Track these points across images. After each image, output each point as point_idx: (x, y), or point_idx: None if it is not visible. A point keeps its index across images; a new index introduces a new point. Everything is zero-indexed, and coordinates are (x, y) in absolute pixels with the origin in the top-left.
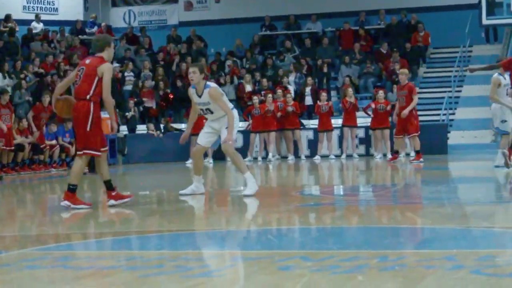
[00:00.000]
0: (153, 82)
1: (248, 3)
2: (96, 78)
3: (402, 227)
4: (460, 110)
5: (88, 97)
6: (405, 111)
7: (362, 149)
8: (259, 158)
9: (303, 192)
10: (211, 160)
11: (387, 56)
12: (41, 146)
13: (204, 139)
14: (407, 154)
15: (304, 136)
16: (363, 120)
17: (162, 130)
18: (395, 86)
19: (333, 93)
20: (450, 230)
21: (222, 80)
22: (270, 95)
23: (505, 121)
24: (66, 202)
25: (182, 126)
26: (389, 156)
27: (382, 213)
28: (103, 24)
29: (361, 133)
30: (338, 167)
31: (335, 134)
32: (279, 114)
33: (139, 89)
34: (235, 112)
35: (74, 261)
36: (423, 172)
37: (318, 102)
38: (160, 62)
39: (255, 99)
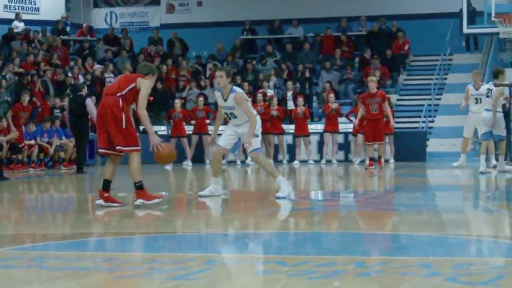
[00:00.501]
0: None
1: (230, 7)
2: (133, 85)
3: (379, 234)
4: (440, 118)
5: (119, 94)
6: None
7: (341, 154)
8: (238, 162)
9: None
10: (190, 163)
11: (369, 62)
12: (20, 146)
13: (225, 141)
14: (386, 161)
15: (284, 141)
16: (342, 126)
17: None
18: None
19: (313, 98)
20: (426, 237)
21: (202, 83)
22: (249, 99)
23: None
24: (140, 200)
25: (162, 128)
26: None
27: (359, 219)
28: (84, 24)
29: (340, 139)
30: (317, 172)
31: (315, 139)
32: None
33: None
34: (257, 118)
35: (49, 262)
36: (401, 179)
37: (294, 107)
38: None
39: None
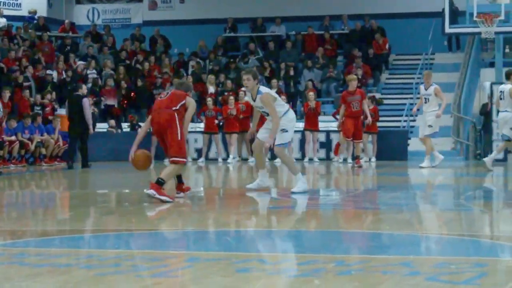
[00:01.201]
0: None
1: (212, 4)
2: (182, 102)
3: (360, 232)
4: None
5: (174, 108)
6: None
7: (322, 153)
8: (219, 159)
9: (262, 195)
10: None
11: (349, 61)
12: (0, 142)
13: (262, 134)
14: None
15: None
16: (324, 124)
17: (128, 128)
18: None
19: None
20: (407, 236)
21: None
22: (232, 97)
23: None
24: (152, 191)
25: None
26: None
27: (340, 217)
28: (66, 21)
29: (322, 137)
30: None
31: (296, 137)
32: (241, 116)
33: (100, 87)
34: (291, 114)
35: (30, 258)
36: (382, 177)
37: None
38: (123, 61)
39: (209, 100)
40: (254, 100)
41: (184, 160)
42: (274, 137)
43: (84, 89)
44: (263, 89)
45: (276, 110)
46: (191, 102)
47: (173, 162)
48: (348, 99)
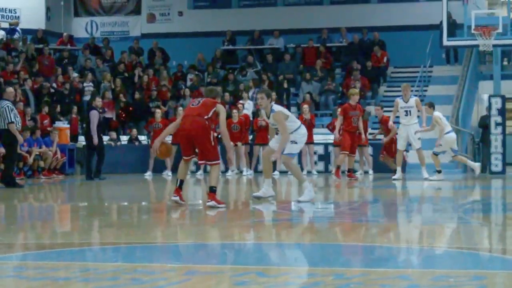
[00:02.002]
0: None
1: (211, 17)
2: (213, 110)
3: (359, 245)
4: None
5: (206, 117)
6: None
7: (321, 165)
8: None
9: (263, 206)
10: (169, 173)
11: (347, 73)
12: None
13: (273, 143)
14: (366, 172)
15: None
16: (322, 137)
17: (126, 141)
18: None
19: (293, 109)
20: (406, 249)
21: (182, 93)
22: (235, 110)
23: None
24: (213, 202)
25: (142, 137)
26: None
27: (339, 230)
28: (65, 34)
29: (320, 150)
30: (296, 183)
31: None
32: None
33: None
34: (303, 129)
35: (28, 272)
36: (381, 190)
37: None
38: (121, 74)
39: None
40: (268, 118)
41: (216, 162)
42: (280, 152)
43: (97, 101)
44: (276, 107)
45: (286, 127)
46: (221, 109)
47: (214, 165)
48: (350, 113)
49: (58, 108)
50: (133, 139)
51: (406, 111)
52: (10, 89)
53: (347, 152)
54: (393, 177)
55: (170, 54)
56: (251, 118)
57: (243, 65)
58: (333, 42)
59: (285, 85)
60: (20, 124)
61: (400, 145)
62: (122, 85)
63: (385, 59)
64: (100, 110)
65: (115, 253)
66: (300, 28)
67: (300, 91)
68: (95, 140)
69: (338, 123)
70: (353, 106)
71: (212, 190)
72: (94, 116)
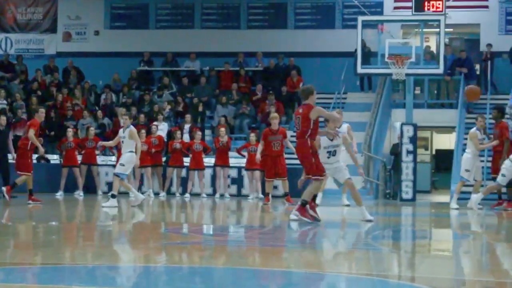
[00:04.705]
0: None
1: (127, 37)
2: (311, 122)
3: (264, 270)
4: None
5: (306, 136)
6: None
7: (234, 189)
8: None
9: (172, 230)
10: (81, 193)
11: (262, 98)
12: None
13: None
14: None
15: (176, 174)
16: (236, 160)
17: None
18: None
19: (207, 132)
20: (311, 274)
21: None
22: (143, 130)
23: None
24: (297, 213)
25: (54, 157)
26: (261, 196)
27: (249, 254)
28: None
29: (233, 173)
30: (209, 206)
31: (208, 173)
32: (153, 150)
33: (10, 119)
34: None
35: None
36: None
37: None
38: (35, 92)
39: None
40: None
41: (318, 177)
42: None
43: (1, 120)
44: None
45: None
46: (315, 111)
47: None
48: (269, 138)
49: None
50: (41, 158)
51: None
52: None
53: (270, 179)
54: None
55: (85, 73)
56: (165, 140)
57: (159, 86)
58: (249, 66)
59: (200, 108)
60: None
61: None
62: (37, 104)
63: (300, 85)
64: (2, 129)
65: (23, 273)
66: (217, 51)
67: (216, 114)
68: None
69: (259, 148)
70: (273, 131)
71: (303, 204)
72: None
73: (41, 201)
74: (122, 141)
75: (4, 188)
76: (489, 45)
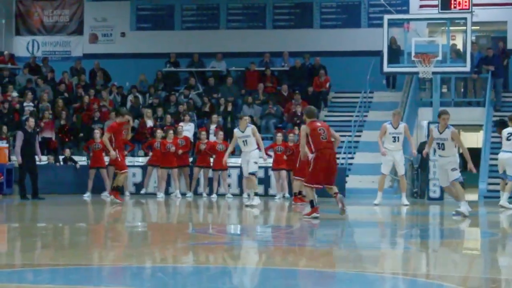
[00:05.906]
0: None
1: (153, 39)
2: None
3: (294, 270)
4: (359, 154)
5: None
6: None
7: (261, 189)
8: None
9: (199, 230)
10: (108, 195)
11: (288, 98)
12: None
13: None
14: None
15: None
16: (261, 160)
17: (61, 162)
18: (297, 128)
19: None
20: (343, 273)
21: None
22: (171, 131)
23: None
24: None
25: (82, 158)
26: (287, 195)
27: (276, 254)
28: (5, 52)
29: (259, 173)
30: (236, 206)
31: (235, 173)
32: (180, 151)
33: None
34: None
35: None
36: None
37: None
38: (61, 94)
39: (159, 132)
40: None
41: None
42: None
43: (30, 122)
44: None
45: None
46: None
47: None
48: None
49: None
50: (67, 159)
51: (394, 137)
52: None
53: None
54: (374, 202)
55: (112, 75)
56: (191, 140)
57: (185, 87)
58: (275, 66)
59: (229, 108)
60: None
61: (384, 170)
62: (64, 105)
63: (327, 84)
64: (31, 131)
65: (51, 274)
66: (243, 51)
67: (242, 114)
68: (19, 160)
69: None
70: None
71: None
72: (19, 136)
73: (122, 200)
74: (245, 140)
75: (111, 196)
76: None
